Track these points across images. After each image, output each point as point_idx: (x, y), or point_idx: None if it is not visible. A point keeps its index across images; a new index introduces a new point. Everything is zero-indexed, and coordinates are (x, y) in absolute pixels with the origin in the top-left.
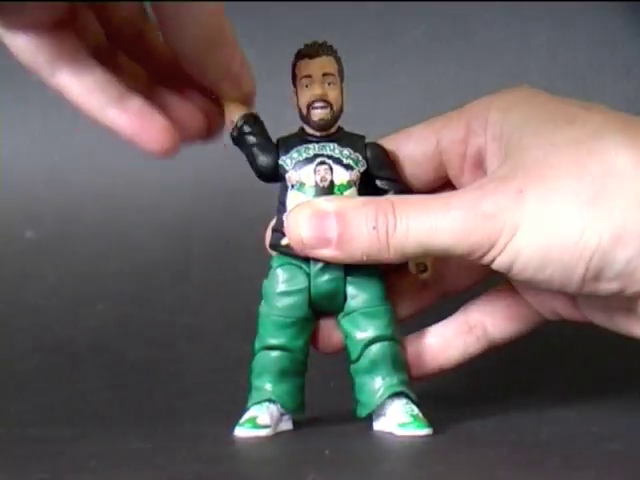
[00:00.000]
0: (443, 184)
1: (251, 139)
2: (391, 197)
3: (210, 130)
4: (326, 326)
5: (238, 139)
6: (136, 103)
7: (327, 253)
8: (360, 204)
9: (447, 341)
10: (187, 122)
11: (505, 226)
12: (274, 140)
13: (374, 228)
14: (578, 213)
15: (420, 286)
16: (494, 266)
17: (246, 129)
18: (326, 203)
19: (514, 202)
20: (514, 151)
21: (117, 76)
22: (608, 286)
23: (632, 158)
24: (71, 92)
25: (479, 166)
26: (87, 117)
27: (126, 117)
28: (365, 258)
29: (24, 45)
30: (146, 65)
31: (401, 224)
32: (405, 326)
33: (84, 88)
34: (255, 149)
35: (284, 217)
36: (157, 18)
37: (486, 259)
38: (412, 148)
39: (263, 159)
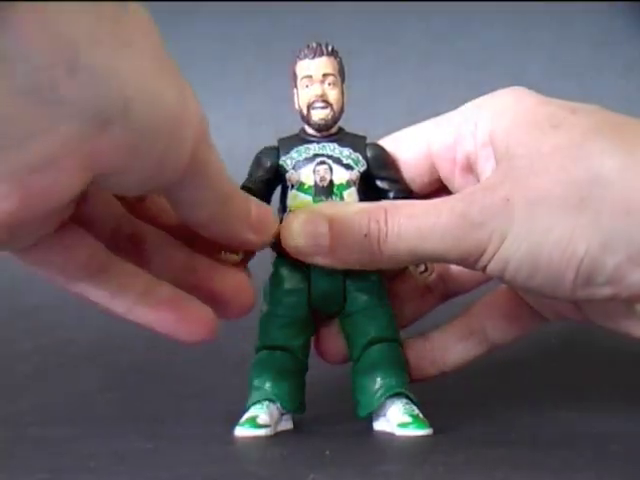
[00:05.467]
0: (440, 187)
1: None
2: (384, 203)
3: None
4: (329, 333)
5: None
6: (165, 293)
7: (321, 260)
8: (353, 212)
9: (448, 345)
10: (234, 294)
11: (493, 234)
12: (274, 141)
13: (366, 236)
14: (565, 220)
15: (422, 290)
16: (487, 272)
17: None
18: (319, 210)
19: (501, 211)
20: (502, 158)
21: (143, 259)
22: (600, 291)
23: (618, 164)
24: (93, 297)
25: (469, 170)
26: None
27: (156, 315)
28: (359, 265)
29: (35, 259)
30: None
31: (392, 232)
32: (406, 329)
33: (105, 293)
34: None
35: (283, 218)
36: (164, 191)
37: (478, 266)
38: (404, 151)
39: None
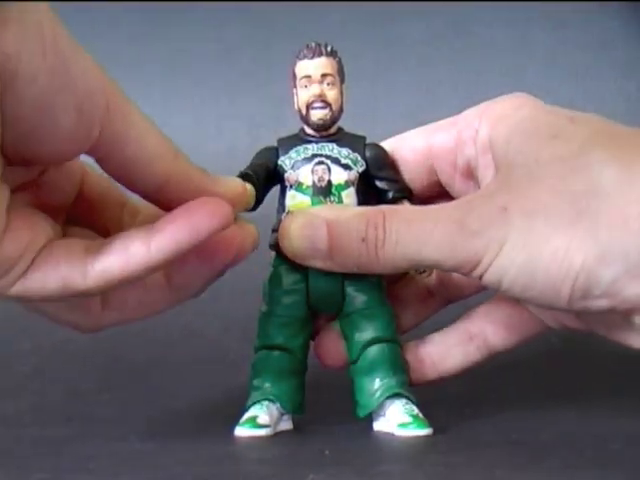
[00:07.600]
0: (440, 191)
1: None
2: (384, 208)
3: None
4: (329, 337)
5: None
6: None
7: (318, 263)
8: (352, 215)
9: (447, 350)
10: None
11: (490, 244)
12: (274, 142)
13: (363, 240)
14: (561, 232)
15: (424, 295)
16: (483, 282)
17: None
18: (318, 214)
19: (498, 220)
20: (501, 166)
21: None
22: (597, 304)
23: (616, 175)
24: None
25: (470, 176)
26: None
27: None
28: (356, 269)
29: None
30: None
31: (390, 237)
32: (406, 333)
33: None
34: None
35: (282, 219)
36: (111, 155)
37: (474, 275)
38: (404, 153)
39: None
